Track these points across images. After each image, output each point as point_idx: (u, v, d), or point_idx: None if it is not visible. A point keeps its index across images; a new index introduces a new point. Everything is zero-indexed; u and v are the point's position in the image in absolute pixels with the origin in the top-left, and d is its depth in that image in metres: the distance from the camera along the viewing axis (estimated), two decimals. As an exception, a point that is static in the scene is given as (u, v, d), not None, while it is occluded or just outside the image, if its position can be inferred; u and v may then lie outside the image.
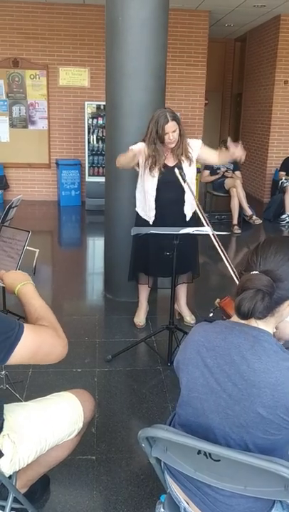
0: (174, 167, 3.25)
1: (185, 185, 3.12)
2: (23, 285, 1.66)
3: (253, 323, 1.32)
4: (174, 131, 3.21)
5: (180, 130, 3.26)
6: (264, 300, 1.25)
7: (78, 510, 2.08)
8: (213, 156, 3.49)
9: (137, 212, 3.51)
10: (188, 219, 3.43)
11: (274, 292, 1.27)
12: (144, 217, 3.42)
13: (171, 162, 3.32)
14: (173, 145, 3.26)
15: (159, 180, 3.28)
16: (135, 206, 3.57)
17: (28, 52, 8.00)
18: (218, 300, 1.79)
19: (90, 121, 7.86)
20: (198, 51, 8.32)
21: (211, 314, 1.85)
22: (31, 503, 1.85)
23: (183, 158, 3.30)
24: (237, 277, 2.19)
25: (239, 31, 9.71)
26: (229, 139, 3.34)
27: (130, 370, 3.20)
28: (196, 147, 3.40)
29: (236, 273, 2.29)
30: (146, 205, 3.39)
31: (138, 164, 3.37)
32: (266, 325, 1.33)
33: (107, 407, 2.78)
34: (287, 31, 8.15)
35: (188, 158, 3.33)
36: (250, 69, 9.70)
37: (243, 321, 1.33)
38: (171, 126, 3.19)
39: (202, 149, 3.44)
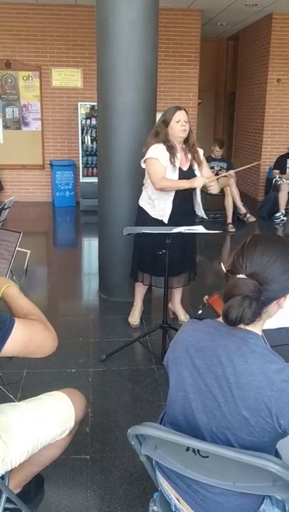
0: (189, 170, 3.33)
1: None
2: (7, 287, 1.69)
3: (241, 325, 1.30)
4: (185, 121, 3.24)
5: (190, 130, 3.30)
6: (251, 306, 1.23)
7: (72, 509, 2.09)
8: (203, 171, 3.49)
9: (144, 210, 3.46)
10: (206, 217, 3.56)
11: (261, 296, 1.25)
12: (155, 217, 3.40)
13: (184, 165, 3.35)
14: (183, 135, 3.26)
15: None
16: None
17: (21, 53, 8.00)
18: (206, 297, 1.80)
19: (83, 122, 7.87)
20: (190, 50, 8.33)
21: (200, 311, 1.86)
22: (25, 503, 1.86)
23: (194, 162, 3.35)
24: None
25: (231, 30, 9.73)
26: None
27: (124, 370, 3.20)
28: (201, 155, 3.47)
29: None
30: (161, 206, 3.36)
31: None
32: (254, 326, 1.32)
33: (101, 407, 2.79)
34: (279, 30, 8.17)
35: (198, 162, 3.38)
36: (243, 68, 9.72)
37: None
38: (183, 114, 3.24)
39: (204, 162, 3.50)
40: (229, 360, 1.27)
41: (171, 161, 3.25)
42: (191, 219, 3.44)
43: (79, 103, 7.88)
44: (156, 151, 3.24)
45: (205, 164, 3.52)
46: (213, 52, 10.83)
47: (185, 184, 3.23)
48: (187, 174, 3.32)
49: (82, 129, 7.89)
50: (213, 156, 7.30)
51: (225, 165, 7.31)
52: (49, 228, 7.36)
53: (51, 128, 8.36)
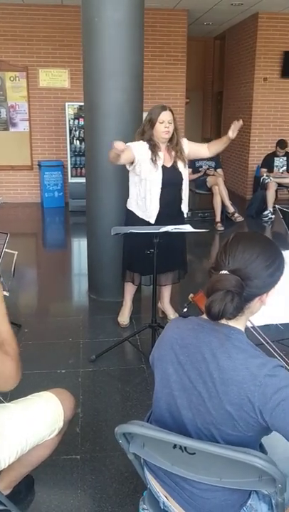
0: (171, 168, 3.33)
1: (186, 183, 3.32)
2: None
3: (223, 320, 1.32)
4: (169, 122, 3.24)
5: (175, 128, 3.30)
6: (234, 301, 1.25)
7: (63, 509, 2.09)
8: (203, 149, 3.54)
9: (131, 211, 3.48)
10: (185, 216, 3.52)
11: (243, 291, 1.27)
12: (143, 218, 3.41)
13: (168, 163, 3.35)
14: (166, 136, 3.28)
15: (162, 182, 3.31)
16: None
17: (7, 54, 7.97)
18: (191, 295, 1.81)
19: (71, 122, 7.86)
20: (177, 50, 8.35)
21: (185, 309, 1.87)
22: (15, 504, 1.86)
23: (178, 160, 3.35)
24: None
25: (218, 29, 9.77)
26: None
27: (114, 370, 3.21)
28: (185, 145, 3.45)
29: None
30: (147, 206, 3.37)
31: (131, 163, 3.34)
32: (237, 322, 1.34)
33: (91, 407, 2.80)
34: (265, 29, 8.23)
35: (183, 159, 3.38)
36: (230, 67, 9.76)
37: None
38: (167, 115, 3.24)
39: (190, 146, 3.49)
40: (213, 356, 1.28)
41: (152, 160, 3.26)
42: (179, 219, 3.43)
43: (66, 103, 7.87)
44: (134, 144, 3.28)
45: (193, 144, 3.52)
46: (200, 51, 10.88)
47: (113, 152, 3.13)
48: (170, 171, 3.33)
49: (70, 130, 7.88)
50: (201, 155, 7.31)
51: (213, 164, 7.33)
52: (38, 229, 7.34)
53: (39, 128, 8.34)
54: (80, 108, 7.74)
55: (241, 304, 1.28)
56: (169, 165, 3.34)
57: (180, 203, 3.45)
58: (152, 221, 3.35)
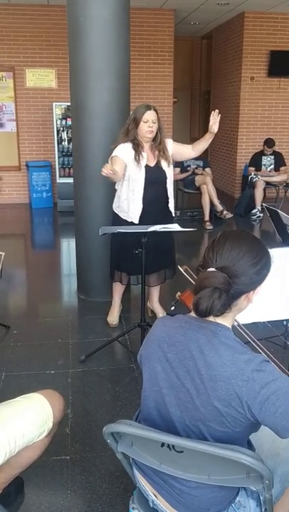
0: (155, 167, 3.33)
1: (170, 182, 3.31)
2: None
3: (211, 318, 1.33)
4: (153, 122, 3.25)
5: (159, 127, 3.30)
6: (221, 298, 1.26)
7: (53, 510, 2.09)
8: (188, 150, 3.54)
9: (116, 214, 3.49)
10: (173, 215, 3.52)
11: (231, 289, 1.29)
12: (126, 218, 3.41)
13: (151, 162, 3.35)
14: (150, 136, 3.28)
15: (145, 181, 3.31)
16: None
17: (-7, 54, 7.92)
18: (178, 293, 1.82)
19: (59, 122, 7.83)
20: (164, 50, 8.36)
21: (173, 308, 1.88)
22: (5, 506, 1.86)
23: (162, 159, 3.35)
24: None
25: (205, 29, 9.79)
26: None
27: (104, 370, 3.21)
28: (170, 146, 3.45)
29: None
30: (130, 206, 3.37)
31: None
32: (224, 319, 1.35)
33: (81, 407, 2.79)
34: (251, 28, 8.26)
35: (166, 158, 3.38)
36: (217, 66, 9.79)
37: None
38: (151, 115, 3.24)
39: (175, 146, 3.49)
40: (200, 353, 1.29)
41: (136, 159, 3.26)
42: (166, 218, 3.43)
43: (54, 103, 7.84)
44: (119, 150, 3.28)
45: (178, 145, 3.51)
46: (187, 51, 10.89)
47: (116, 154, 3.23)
48: (154, 170, 3.33)
49: (58, 130, 7.85)
50: (189, 154, 7.32)
51: (201, 163, 7.35)
52: (26, 230, 7.31)
53: (26, 129, 8.30)
54: (67, 108, 7.71)
55: (228, 301, 1.29)
56: (152, 164, 3.34)
57: (166, 201, 3.45)
58: (136, 221, 3.35)
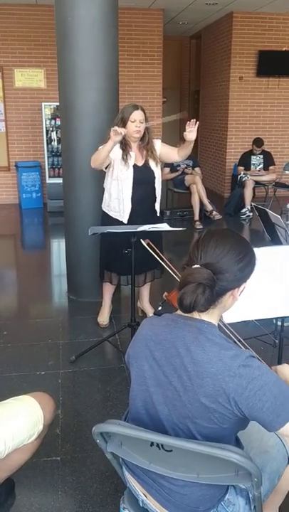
0: (143, 166, 3.33)
1: (158, 182, 3.32)
2: None
3: (196, 315, 1.35)
4: (141, 122, 3.24)
5: (147, 128, 3.30)
6: (205, 293, 1.28)
7: (44, 511, 2.08)
8: (173, 154, 3.53)
9: (106, 213, 3.49)
10: (158, 214, 3.51)
11: (215, 285, 1.31)
12: (117, 218, 3.41)
13: (140, 162, 3.35)
14: (137, 136, 3.28)
15: (133, 181, 3.31)
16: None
17: (-18, 53, 7.88)
18: (165, 294, 1.83)
19: (48, 123, 7.80)
20: (153, 49, 8.36)
21: (160, 308, 1.89)
22: (-5, 508, 1.85)
23: (150, 159, 3.35)
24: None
25: (194, 29, 9.82)
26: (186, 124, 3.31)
27: (94, 370, 3.21)
28: (157, 146, 3.45)
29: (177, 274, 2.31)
30: (120, 206, 3.37)
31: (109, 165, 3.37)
32: (210, 316, 1.37)
33: (71, 408, 2.79)
34: (240, 28, 8.30)
35: (154, 158, 3.38)
36: (206, 66, 9.82)
37: (187, 314, 1.36)
38: (138, 114, 3.23)
39: (162, 148, 3.49)
40: (187, 350, 1.30)
41: (123, 158, 3.27)
42: (154, 218, 3.43)
43: (43, 103, 7.81)
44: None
45: (166, 147, 3.49)
46: (176, 51, 10.91)
47: (109, 144, 3.10)
48: (142, 170, 3.33)
49: (47, 130, 7.82)
50: (178, 154, 7.34)
51: (191, 162, 7.36)
52: (16, 230, 7.28)
53: (15, 129, 8.26)
54: (56, 108, 7.68)
55: (212, 297, 1.31)
56: (140, 164, 3.35)
57: (154, 201, 3.45)
58: (125, 221, 3.36)
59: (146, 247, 2.55)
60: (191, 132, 3.27)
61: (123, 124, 3.25)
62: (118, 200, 3.37)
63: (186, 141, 3.34)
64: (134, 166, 3.31)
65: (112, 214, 3.43)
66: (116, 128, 3.05)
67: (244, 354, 1.28)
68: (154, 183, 3.39)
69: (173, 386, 1.32)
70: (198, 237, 1.41)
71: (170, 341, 1.34)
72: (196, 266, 1.33)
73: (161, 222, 3.52)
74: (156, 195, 3.44)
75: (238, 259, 1.35)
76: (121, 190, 3.33)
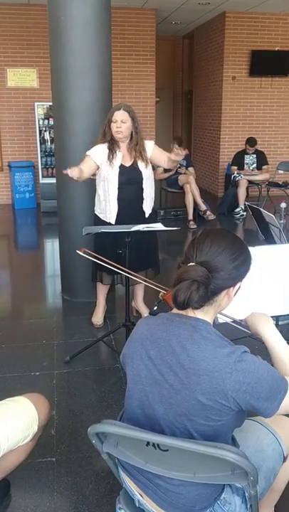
0: (131, 167, 3.32)
1: (147, 182, 3.32)
2: None
3: (191, 313, 1.36)
4: (123, 122, 3.23)
5: (135, 128, 3.29)
6: (199, 290, 1.29)
7: (39, 512, 2.08)
8: (162, 161, 3.51)
9: (97, 215, 3.50)
10: (147, 216, 3.48)
11: (210, 282, 1.31)
12: (105, 219, 3.42)
13: (127, 162, 3.34)
14: (119, 136, 3.27)
15: (119, 181, 3.31)
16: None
17: (-26, 53, 7.84)
18: (161, 293, 1.83)
19: (41, 122, 7.78)
20: (146, 49, 8.36)
21: (156, 308, 1.89)
22: (-10, 510, 1.84)
23: (138, 159, 3.34)
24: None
25: (186, 29, 9.82)
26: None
27: (89, 370, 3.20)
28: (149, 148, 3.44)
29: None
30: (107, 207, 3.38)
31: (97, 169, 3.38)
32: (205, 314, 1.37)
33: (66, 408, 2.78)
34: (232, 28, 8.31)
35: (144, 159, 3.37)
36: (199, 66, 9.83)
37: (182, 312, 1.36)
38: (120, 115, 3.22)
39: (154, 151, 3.47)
40: (182, 348, 1.31)
41: (109, 158, 3.28)
42: (142, 218, 3.41)
43: (36, 103, 7.78)
44: (93, 150, 3.32)
45: (157, 151, 3.48)
46: (169, 50, 10.91)
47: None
48: (129, 171, 3.33)
49: (41, 130, 7.80)
50: (172, 153, 7.34)
51: (184, 162, 7.36)
52: (10, 231, 7.25)
53: (8, 129, 8.23)
54: (49, 108, 7.66)
55: (207, 294, 1.32)
56: (128, 164, 3.34)
57: (141, 202, 3.43)
58: (113, 221, 3.36)
59: (84, 255, 2.62)
60: (177, 155, 3.32)
61: (108, 124, 3.25)
62: (105, 201, 3.37)
63: (172, 158, 3.36)
64: (122, 166, 3.31)
65: (101, 216, 3.44)
66: (69, 173, 3.11)
67: (239, 350, 1.30)
68: (141, 183, 3.37)
69: (169, 384, 1.32)
70: (194, 236, 1.42)
71: (165, 339, 1.34)
72: (191, 264, 1.33)
73: (151, 223, 3.52)
74: (144, 196, 3.41)
75: (233, 258, 1.36)
76: (107, 191, 3.33)
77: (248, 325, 1.59)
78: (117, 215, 3.36)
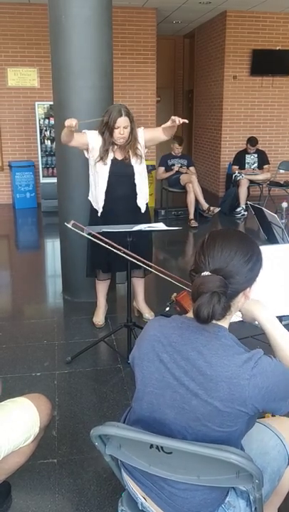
0: (122, 161, 3.32)
1: (139, 178, 3.31)
2: None
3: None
4: (125, 127, 3.22)
5: (132, 129, 3.27)
6: (220, 301, 1.24)
7: (40, 514, 2.06)
8: (159, 133, 3.45)
9: (91, 204, 3.54)
10: (143, 211, 3.48)
11: (228, 290, 1.28)
12: (95, 208, 3.47)
13: (120, 156, 3.34)
14: (122, 141, 3.27)
15: (109, 174, 3.31)
16: (89, 205, 3.56)
17: (-26, 53, 7.82)
18: (174, 294, 1.80)
19: (41, 122, 7.76)
20: (147, 48, 8.34)
21: (167, 308, 1.87)
22: (-9, 512, 1.82)
23: (130, 154, 3.33)
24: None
25: (187, 28, 9.80)
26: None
27: (90, 371, 3.18)
28: (141, 135, 3.41)
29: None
30: (96, 197, 3.43)
31: (87, 150, 3.39)
32: (223, 320, 1.34)
33: (67, 409, 2.76)
34: (233, 27, 8.29)
35: (137, 155, 3.35)
36: (200, 65, 9.81)
37: None
38: (122, 121, 3.21)
39: (146, 133, 3.45)
40: (199, 354, 1.29)
41: (101, 151, 3.29)
42: (136, 214, 3.42)
43: (36, 103, 7.77)
44: (91, 134, 3.33)
45: (148, 131, 3.48)
46: (170, 50, 10.89)
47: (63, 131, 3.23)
48: (120, 164, 3.33)
49: (41, 129, 7.79)
50: (173, 153, 7.33)
51: (185, 162, 7.35)
52: (10, 231, 7.23)
53: (9, 129, 8.21)
54: (50, 107, 7.64)
55: (228, 303, 1.29)
56: (120, 158, 3.34)
57: (135, 197, 3.43)
58: (100, 209, 3.40)
59: (73, 228, 2.68)
60: (172, 122, 3.22)
61: (108, 128, 3.22)
62: (96, 191, 3.42)
63: (171, 124, 3.27)
64: (113, 159, 3.32)
65: (94, 205, 3.49)
66: (69, 123, 3.09)
67: (256, 356, 1.28)
68: (133, 178, 3.37)
69: (183, 389, 1.30)
70: (201, 241, 1.37)
71: (180, 344, 1.32)
72: (205, 273, 1.29)
73: (147, 218, 3.51)
74: (138, 191, 3.41)
75: (247, 260, 1.32)
76: (98, 183, 3.36)
77: (242, 313, 1.55)
78: (104, 209, 3.39)
